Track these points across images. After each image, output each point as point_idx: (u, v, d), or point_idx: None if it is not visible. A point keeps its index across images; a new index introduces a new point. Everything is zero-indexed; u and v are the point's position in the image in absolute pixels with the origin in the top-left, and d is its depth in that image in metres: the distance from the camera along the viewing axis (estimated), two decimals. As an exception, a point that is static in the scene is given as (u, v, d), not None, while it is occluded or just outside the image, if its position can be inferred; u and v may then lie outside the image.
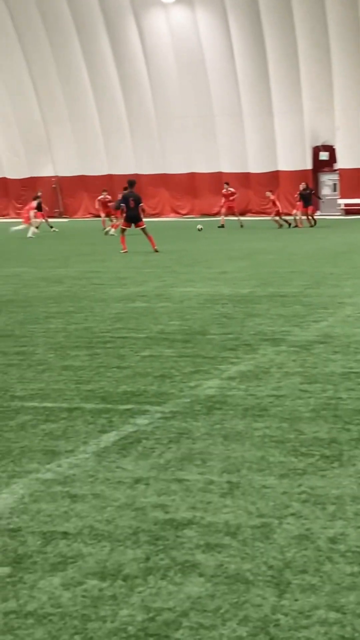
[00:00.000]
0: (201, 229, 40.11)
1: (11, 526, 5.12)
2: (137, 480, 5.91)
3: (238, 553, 4.72)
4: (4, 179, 63.78)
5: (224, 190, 46.42)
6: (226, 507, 5.40)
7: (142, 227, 28.88)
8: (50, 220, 47.44)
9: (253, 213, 56.49)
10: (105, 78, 59.34)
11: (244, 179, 56.79)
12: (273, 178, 56.15)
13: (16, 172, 63.32)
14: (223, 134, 58.31)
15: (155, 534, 4.99)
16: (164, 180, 60.17)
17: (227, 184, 47.43)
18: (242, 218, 46.43)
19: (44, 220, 45.12)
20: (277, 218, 43.96)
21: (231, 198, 45.83)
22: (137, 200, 29.20)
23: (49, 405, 8.08)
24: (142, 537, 4.95)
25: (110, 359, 10.22)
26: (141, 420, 7.46)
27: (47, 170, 62.89)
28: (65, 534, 5.00)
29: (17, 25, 59.37)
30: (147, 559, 4.66)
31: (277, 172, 56.77)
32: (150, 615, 4.05)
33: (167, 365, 9.77)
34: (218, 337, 11.57)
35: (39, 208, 45.51)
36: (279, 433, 7.01)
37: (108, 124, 60.18)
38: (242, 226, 44.08)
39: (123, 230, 29.13)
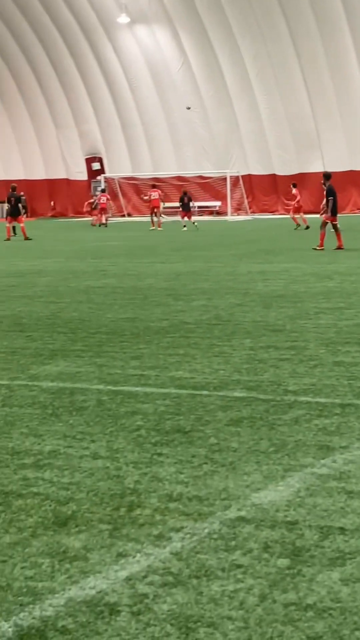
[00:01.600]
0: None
1: (288, 519, 5.16)
2: None
3: None
4: (273, 175, 64.23)
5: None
6: None
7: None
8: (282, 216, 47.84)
9: None
10: (376, 71, 58.55)
11: None
12: None
13: (285, 168, 63.61)
14: None
15: None
16: None
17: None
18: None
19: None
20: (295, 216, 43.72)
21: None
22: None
23: (322, 400, 8.08)
24: None
25: (383, 355, 10.09)
26: None
27: (315, 166, 62.76)
28: (342, 530, 4.98)
29: (288, 19, 59.55)
30: None
31: None
32: None
33: None
34: None
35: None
36: None
37: (379, 117, 59.34)
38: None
39: (325, 224, 28.73)
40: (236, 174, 61.64)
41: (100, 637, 3.86)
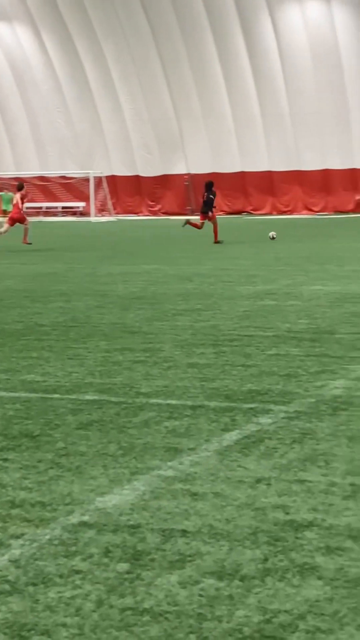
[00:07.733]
0: (274, 237, 33.00)
1: (131, 522, 5.14)
2: (258, 480, 5.87)
3: (359, 557, 4.63)
4: (137, 177, 64.40)
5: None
6: (348, 510, 5.31)
7: None
8: (182, 217, 47.70)
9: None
10: (238, 74, 59.36)
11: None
12: None
13: (149, 169, 63.87)
14: (358, 130, 57.74)
15: (274, 535, 4.94)
16: (297, 177, 59.82)
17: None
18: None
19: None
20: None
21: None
22: None
23: (173, 402, 8.10)
24: (261, 537, 4.91)
25: (236, 357, 10.19)
26: (264, 420, 7.41)
27: (179, 168, 63.25)
28: (184, 532, 4.99)
29: (151, 21, 59.86)
30: (266, 559, 4.62)
31: None
32: (267, 616, 4.01)
33: (293, 365, 9.68)
34: (347, 336, 11.41)
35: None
36: None
37: (241, 120, 60.16)
38: None
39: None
40: (100, 175, 61.55)
41: None
